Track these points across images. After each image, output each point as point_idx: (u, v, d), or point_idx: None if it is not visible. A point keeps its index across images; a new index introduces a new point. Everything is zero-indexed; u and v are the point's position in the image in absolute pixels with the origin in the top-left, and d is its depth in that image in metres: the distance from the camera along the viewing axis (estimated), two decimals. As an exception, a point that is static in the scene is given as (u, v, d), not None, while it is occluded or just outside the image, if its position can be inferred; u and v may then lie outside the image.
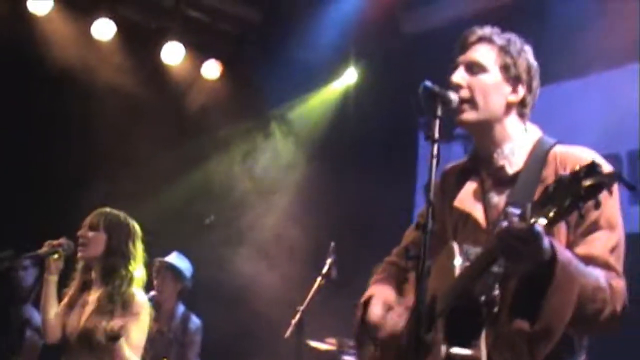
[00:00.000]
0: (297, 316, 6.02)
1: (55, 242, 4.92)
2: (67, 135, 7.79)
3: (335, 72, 8.41)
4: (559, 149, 2.91)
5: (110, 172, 8.03)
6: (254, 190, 8.36)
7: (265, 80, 8.38)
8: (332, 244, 6.02)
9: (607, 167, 2.74)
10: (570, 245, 2.77)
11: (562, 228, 2.78)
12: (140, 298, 4.85)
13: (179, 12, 8.18)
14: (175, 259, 7.03)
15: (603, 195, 2.66)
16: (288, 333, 6.01)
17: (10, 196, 7.49)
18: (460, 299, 2.71)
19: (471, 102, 2.96)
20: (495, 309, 2.69)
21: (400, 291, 3.23)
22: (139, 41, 8.13)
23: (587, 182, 2.25)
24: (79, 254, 4.96)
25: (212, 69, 8.53)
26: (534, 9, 6.79)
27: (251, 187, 8.40)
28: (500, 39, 3.02)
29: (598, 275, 2.67)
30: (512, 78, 2.98)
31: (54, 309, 4.93)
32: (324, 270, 5.96)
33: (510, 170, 2.93)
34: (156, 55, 8.18)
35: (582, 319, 2.62)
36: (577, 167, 2.30)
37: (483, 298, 2.68)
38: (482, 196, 2.99)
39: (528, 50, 3.05)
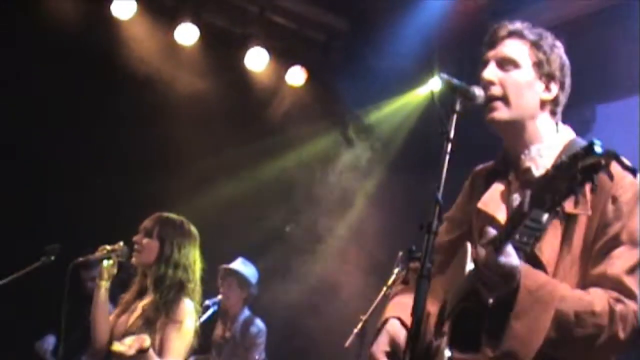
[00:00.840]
0: (360, 325, 5.92)
1: (110, 247, 4.91)
2: (147, 139, 7.86)
3: (419, 80, 8.26)
4: None
5: (189, 176, 8.09)
6: (331, 197, 8.27)
7: (349, 87, 8.36)
8: (400, 253, 5.86)
9: (630, 175, 2.59)
10: (582, 255, 2.63)
11: (578, 236, 2.63)
12: (187, 306, 4.73)
13: (264, 18, 8.17)
14: (240, 265, 7.03)
15: (628, 207, 2.61)
16: (348, 342, 5.92)
17: (86, 195, 7.63)
18: (467, 301, 2.63)
19: (504, 99, 2.82)
20: None
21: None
22: (223, 47, 8.18)
23: (583, 163, 2.14)
24: (133, 260, 4.92)
25: (297, 76, 8.50)
26: (623, 17, 6.54)
27: (329, 193, 8.31)
28: (531, 33, 2.88)
29: (594, 299, 2.53)
30: (545, 75, 2.84)
31: (103, 315, 4.92)
32: (390, 280, 5.81)
33: (537, 172, 2.77)
34: (240, 61, 8.20)
35: (572, 344, 2.51)
36: (578, 149, 2.19)
37: (492, 301, 2.57)
38: (507, 198, 2.85)
39: (560, 47, 2.91)
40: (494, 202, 2.86)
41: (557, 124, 2.88)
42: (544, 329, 2.44)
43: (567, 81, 2.88)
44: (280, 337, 7.47)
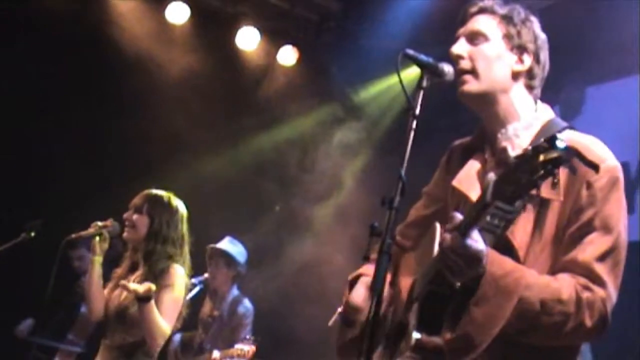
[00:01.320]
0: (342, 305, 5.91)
1: (101, 223, 5.03)
2: (137, 117, 7.86)
3: (409, 61, 8.25)
4: (567, 135, 2.68)
5: (178, 154, 8.09)
6: (320, 176, 8.28)
7: (340, 67, 8.37)
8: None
9: (607, 160, 2.63)
10: (554, 241, 2.61)
11: (551, 220, 2.61)
12: (177, 270, 4.88)
13: (256, -3, 8.16)
14: (227, 244, 7.01)
15: (602, 193, 2.58)
16: (331, 321, 5.91)
17: (82, 174, 7.64)
18: (434, 284, 2.59)
19: (473, 72, 2.80)
20: None
21: (396, 271, 3.10)
22: (214, 25, 8.17)
23: (544, 157, 2.09)
24: (125, 235, 5.05)
25: (288, 55, 8.48)
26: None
27: (318, 172, 8.32)
28: (502, 8, 2.86)
29: (561, 287, 2.51)
30: (517, 47, 2.81)
31: (97, 289, 5.01)
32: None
33: (513, 153, 2.69)
34: (231, 40, 8.20)
35: (538, 331, 2.50)
36: (541, 141, 2.14)
37: (459, 285, 2.55)
38: (482, 177, 2.80)
39: (534, 21, 2.88)
40: (468, 180, 2.84)
41: (535, 102, 2.86)
42: (503, 317, 2.43)
43: (543, 54, 2.84)
44: (266, 316, 7.48)
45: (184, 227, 5.10)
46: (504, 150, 2.70)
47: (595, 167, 2.24)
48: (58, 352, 6.82)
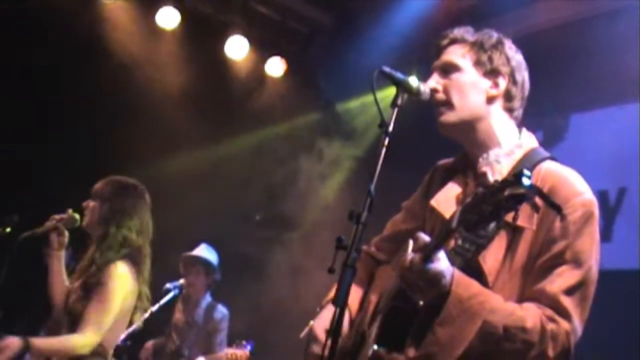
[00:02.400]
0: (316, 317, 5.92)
1: (58, 216, 4.86)
2: (123, 121, 7.88)
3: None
4: (547, 165, 2.74)
5: (162, 156, 8.10)
6: (303, 187, 8.30)
7: (327, 81, 8.41)
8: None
9: (584, 193, 2.64)
10: (524, 268, 2.61)
11: (523, 248, 2.62)
12: (118, 269, 4.59)
13: (247, 6, 8.17)
14: (205, 252, 7.03)
15: (575, 226, 2.58)
16: (303, 334, 5.90)
17: (66, 173, 7.64)
18: (397, 299, 2.62)
19: (447, 103, 2.83)
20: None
21: (370, 282, 3.12)
22: (203, 32, 8.17)
23: (508, 192, 2.12)
24: (83, 224, 4.85)
25: (276, 66, 8.50)
26: (603, 27, 6.58)
27: (302, 183, 8.33)
28: (472, 36, 2.89)
29: (526, 315, 2.50)
30: (489, 72, 2.84)
31: (57, 284, 4.89)
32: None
33: (492, 178, 2.73)
34: (220, 48, 8.21)
35: (500, 357, 2.50)
36: (508, 175, 2.25)
37: (422, 303, 2.57)
38: (461, 200, 2.81)
39: (507, 43, 2.89)
40: (446, 202, 2.84)
41: (519, 127, 2.87)
42: (466, 339, 2.43)
43: (520, 75, 2.85)
44: (244, 323, 7.49)
45: (146, 217, 4.87)
46: (484, 175, 2.76)
47: (558, 209, 2.27)
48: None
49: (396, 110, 2.80)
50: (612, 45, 6.36)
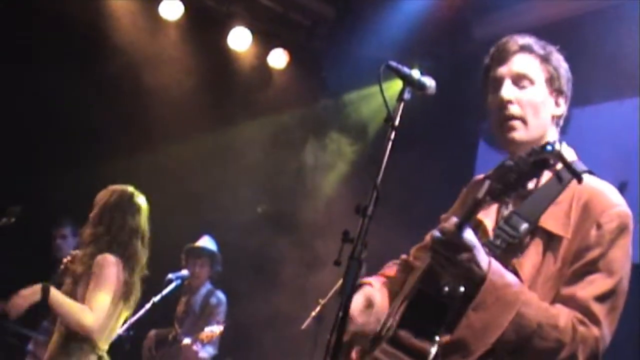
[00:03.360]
0: (317, 309, 5.98)
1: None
2: (127, 112, 7.92)
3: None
4: (585, 179, 2.66)
5: (165, 149, 8.13)
6: (306, 180, 8.34)
7: (330, 73, 8.41)
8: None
9: (619, 206, 2.65)
10: (557, 276, 2.60)
11: (549, 260, 2.61)
12: (107, 258, 4.82)
13: (251, -2, 8.20)
14: (208, 243, 7.07)
15: (610, 235, 2.58)
16: (305, 324, 5.96)
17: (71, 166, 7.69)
18: (423, 283, 2.67)
19: (522, 119, 2.77)
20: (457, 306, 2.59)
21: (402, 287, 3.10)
22: (207, 24, 8.20)
23: (532, 158, 2.21)
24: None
25: (279, 58, 8.52)
26: (606, 21, 6.61)
27: (304, 176, 8.37)
28: (540, 48, 2.85)
29: (560, 314, 2.51)
30: (556, 90, 2.84)
31: None
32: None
33: (532, 185, 2.73)
34: (223, 40, 8.23)
35: (530, 353, 2.48)
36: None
37: (446, 289, 2.60)
38: (499, 207, 2.81)
39: (563, 60, 2.90)
40: (486, 209, 2.79)
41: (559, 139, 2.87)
42: (500, 327, 2.43)
43: (570, 95, 2.90)
44: (245, 314, 7.53)
45: (140, 220, 5.09)
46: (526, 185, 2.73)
47: (578, 177, 2.29)
48: (32, 340, 6.81)
49: (402, 104, 2.80)
50: (613, 39, 6.38)
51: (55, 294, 4.69)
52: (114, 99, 7.91)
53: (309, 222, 7.98)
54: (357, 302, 2.93)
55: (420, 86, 2.83)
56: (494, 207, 2.82)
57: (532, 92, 2.78)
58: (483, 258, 2.47)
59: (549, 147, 2.18)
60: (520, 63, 2.81)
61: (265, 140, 8.55)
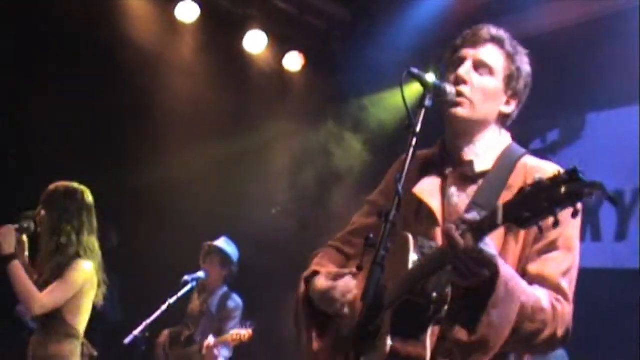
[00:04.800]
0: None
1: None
2: (142, 114, 7.95)
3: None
4: (529, 160, 2.85)
5: (179, 152, 8.16)
6: (320, 183, 8.36)
7: (345, 76, 8.43)
8: None
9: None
10: (522, 260, 2.72)
11: (511, 241, 2.72)
12: (78, 265, 5.07)
13: (266, 1, 8.22)
14: (223, 243, 7.09)
15: (564, 216, 2.57)
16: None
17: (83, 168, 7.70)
18: (411, 293, 2.64)
19: (469, 100, 2.87)
20: (445, 308, 2.62)
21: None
22: (222, 26, 8.22)
23: (567, 188, 2.16)
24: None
25: (294, 61, 8.55)
26: (618, 26, 6.61)
27: (318, 179, 8.39)
28: (510, 45, 2.92)
29: (541, 296, 2.61)
30: (511, 90, 2.92)
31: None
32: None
33: (478, 168, 2.85)
34: (238, 42, 8.27)
35: (520, 337, 2.57)
36: (558, 172, 2.21)
37: (435, 295, 2.62)
38: (442, 189, 2.91)
39: (527, 62, 2.96)
40: (428, 190, 2.91)
41: (500, 130, 2.97)
42: (512, 320, 2.50)
43: (525, 99, 2.96)
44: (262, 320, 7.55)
45: (87, 216, 5.25)
46: (470, 163, 2.86)
47: (615, 203, 2.28)
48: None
49: (423, 111, 2.82)
50: (628, 44, 6.41)
51: (15, 264, 4.94)
52: (130, 101, 7.94)
53: (327, 224, 8.00)
54: (323, 281, 3.00)
55: (441, 93, 2.86)
56: (436, 187, 2.91)
57: (488, 81, 2.87)
58: (495, 256, 2.49)
59: (585, 178, 2.14)
60: (486, 52, 2.89)
61: (280, 144, 8.57)
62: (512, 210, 2.30)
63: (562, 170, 2.20)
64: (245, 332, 6.52)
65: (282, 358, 7.66)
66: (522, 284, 2.58)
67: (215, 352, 6.57)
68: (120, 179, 7.80)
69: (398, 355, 2.62)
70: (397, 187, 2.69)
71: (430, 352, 2.60)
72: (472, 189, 2.83)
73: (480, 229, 2.41)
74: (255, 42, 8.29)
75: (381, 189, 3.24)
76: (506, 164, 2.83)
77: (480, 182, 2.83)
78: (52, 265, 5.09)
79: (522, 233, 2.71)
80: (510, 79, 2.89)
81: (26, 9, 7.30)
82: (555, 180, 2.18)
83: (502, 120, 2.95)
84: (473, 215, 2.48)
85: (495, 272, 2.48)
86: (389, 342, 2.62)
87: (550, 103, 2.99)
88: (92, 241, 5.23)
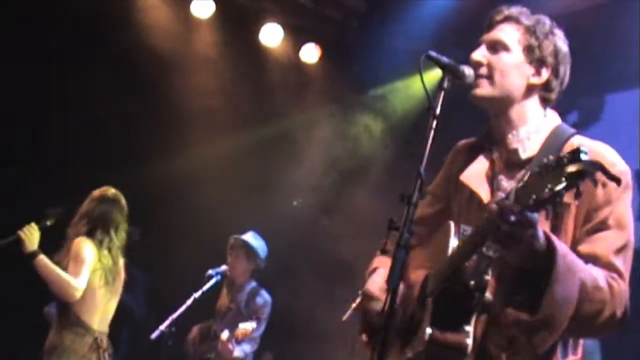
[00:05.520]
0: (358, 300, 5.96)
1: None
2: (159, 111, 7.99)
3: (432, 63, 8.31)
4: (578, 141, 2.78)
5: (199, 147, 8.19)
6: (339, 173, 8.36)
7: (362, 66, 8.42)
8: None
9: (617, 165, 2.71)
10: (574, 242, 2.67)
11: (570, 223, 2.68)
12: (80, 242, 5.49)
13: (281, -6, 8.24)
14: (250, 237, 7.07)
15: (616, 193, 2.65)
16: (345, 316, 5.95)
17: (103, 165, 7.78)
18: (449, 281, 2.62)
19: (489, 78, 2.87)
20: (488, 296, 2.60)
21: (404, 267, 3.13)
22: (238, 21, 8.23)
23: (570, 169, 2.14)
24: None
25: (311, 53, 8.55)
26: (635, 7, 6.57)
27: (337, 169, 8.39)
28: (527, 19, 2.92)
29: (597, 274, 2.57)
30: (536, 60, 2.88)
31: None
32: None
33: (524, 154, 2.83)
34: (254, 36, 8.28)
35: (580, 318, 2.50)
36: (563, 153, 2.19)
37: (472, 282, 2.58)
38: (491, 177, 2.88)
39: (558, 34, 2.92)
40: (477, 178, 2.90)
41: (545, 109, 2.92)
42: (574, 298, 2.45)
43: (563, 69, 2.90)
44: (284, 312, 7.57)
45: (114, 214, 5.75)
46: (515, 151, 2.83)
47: (617, 181, 2.25)
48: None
49: (442, 93, 2.82)
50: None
51: (42, 259, 5.26)
52: (147, 98, 7.98)
53: (350, 213, 8.03)
54: (376, 282, 3.04)
55: (459, 75, 2.86)
56: (483, 173, 2.89)
57: (505, 56, 2.87)
58: (540, 232, 2.45)
59: (585, 158, 2.12)
60: (499, 31, 2.91)
61: (299, 136, 8.58)
62: (521, 193, 2.27)
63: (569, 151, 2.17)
64: (249, 326, 6.53)
65: (307, 347, 7.68)
66: (579, 260, 2.53)
67: (230, 346, 6.55)
68: (144, 174, 7.83)
69: (438, 343, 2.60)
70: (419, 169, 2.70)
71: (478, 340, 2.59)
72: (521, 175, 2.75)
73: (522, 200, 2.33)
74: (272, 35, 8.30)
75: (438, 178, 3.22)
76: (553, 146, 2.77)
77: (528, 167, 2.76)
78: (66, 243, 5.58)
79: (571, 216, 2.66)
80: (530, 49, 2.86)
81: (43, 9, 7.33)
82: (560, 162, 2.16)
83: (542, 94, 2.90)
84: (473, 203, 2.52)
85: (549, 246, 2.44)
86: (428, 330, 2.61)
87: (569, 85, 2.94)
88: (112, 234, 5.69)
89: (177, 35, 7.93)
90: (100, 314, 5.58)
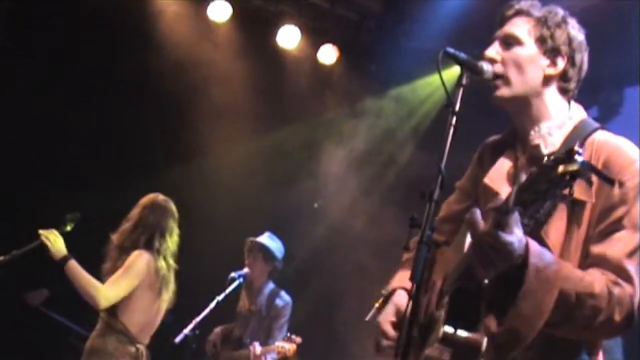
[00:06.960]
0: (381, 300, 5.95)
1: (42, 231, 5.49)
2: (177, 114, 8.01)
3: (449, 62, 8.30)
4: (599, 136, 2.76)
5: (217, 150, 8.22)
6: (357, 174, 8.37)
7: (379, 67, 8.42)
8: None
9: (638, 161, 2.66)
10: (587, 240, 2.65)
11: (574, 225, 2.65)
12: (137, 255, 5.52)
13: (297, -4, 8.26)
14: (266, 239, 7.09)
15: (634, 192, 2.61)
16: (369, 316, 5.96)
17: (119, 167, 7.82)
18: (464, 279, 2.61)
19: (504, 77, 2.84)
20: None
21: (431, 265, 3.07)
22: (255, 23, 8.28)
23: (562, 169, 2.13)
24: None
25: (328, 54, 8.56)
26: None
27: (355, 170, 8.40)
28: (538, 11, 2.88)
29: (594, 281, 2.53)
30: (550, 50, 2.84)
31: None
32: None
33: (545, 150, 2.76)
34: (271, 39, 8.31)
35: (572, 325, 2.52)
36: (563, 152, 2.18)
37: (486, 282, 2.55)
38: (513, 175, 2.86)
39: (571, 22, 2.89)
40: (499, 178, 2.89)
41: (569, 102, 2.89)
42: (546, 310, 2.43)
43: (579, 57, 2.86)
44: (305, 314, 7.58)
45: (167, 220, 5.80)
46: (537, 147, 2.77)
47: (610, 182, 2.26)
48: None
49: (461, 89, 2.81)
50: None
51: (72, 264, 5.24)
52: (164, 101, 8.01)
53: (370, 211, 8.03)
54: (388, 313, 3.00)
55: (478, 71, 2.85)
56: (506, 172, 2.88)
57: (518, 50, 2.83)
58: (521, 243, 2.41)
59: (578, 158, 2.11)
60: (511, 25, 2.87)
61: (319, 136, 8.59)
62: (521, 193, 2.26)
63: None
64: (289, 347, 6.52)
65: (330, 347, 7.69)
66: (564, 270, 2.50)
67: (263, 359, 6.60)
68: (164, 177, 7.87)
69: (454, 342, 2.58)
70: (439, 165, 2.70)
71: (486, 339, 2.54)
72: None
73: (500, 214, 2.34)
74: (289, 37, 8.32)
75: (467, 175, 3.20)
76: (573, 142, 2.59)
77: None
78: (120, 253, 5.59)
79: (586, 215, 2.64)
80: (543, 40, 2.83)
81: (59, 11, 7.38)
82: (555, 161, 2.15)
83: (560, 84, 2.86)
84: (496, 202, 2.44)
85: (520, 262, 2.41)
86: (443, 329, 2.59)
87: (588, 79, 2.91)
88: (167, 241, 5.77)
89: (194, 38, 7.96)
90: (147, 326, 5.64)
